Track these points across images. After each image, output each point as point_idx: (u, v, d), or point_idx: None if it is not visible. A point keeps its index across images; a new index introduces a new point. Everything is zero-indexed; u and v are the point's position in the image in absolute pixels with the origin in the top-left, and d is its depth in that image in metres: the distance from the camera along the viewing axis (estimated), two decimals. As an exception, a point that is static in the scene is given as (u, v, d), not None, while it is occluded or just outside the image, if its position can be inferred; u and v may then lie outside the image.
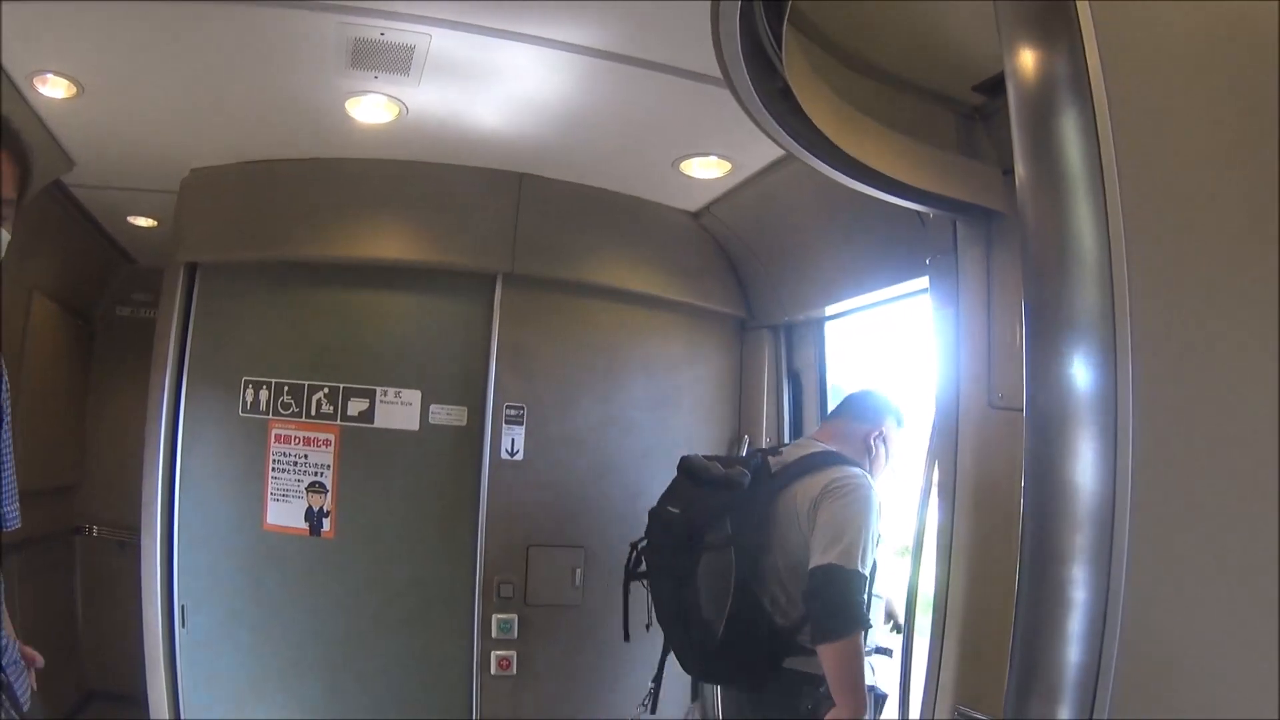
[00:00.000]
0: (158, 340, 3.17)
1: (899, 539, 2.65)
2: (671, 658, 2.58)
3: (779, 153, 2.64)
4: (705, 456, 2.60)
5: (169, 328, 3.15)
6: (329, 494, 3.13)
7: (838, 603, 2.18)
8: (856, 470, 2.43)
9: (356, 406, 3.17)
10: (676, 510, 2.48)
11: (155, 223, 3.95)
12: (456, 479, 3.22)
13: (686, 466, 2.57)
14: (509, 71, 2.45)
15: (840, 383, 3.59)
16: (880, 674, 2.47)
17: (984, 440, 1.85)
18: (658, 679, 2.64)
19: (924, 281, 2.23)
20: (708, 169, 2.98)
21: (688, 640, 2.45)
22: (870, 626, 2.34)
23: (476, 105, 2.69)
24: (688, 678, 2.75)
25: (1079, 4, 0.72)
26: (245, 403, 3.15)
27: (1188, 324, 0.70)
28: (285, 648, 3.12)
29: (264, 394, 3.15)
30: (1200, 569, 0.69)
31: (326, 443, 3.15)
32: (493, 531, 3.20)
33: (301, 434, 3.15)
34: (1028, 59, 0.74)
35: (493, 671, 3.18)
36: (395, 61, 2.41)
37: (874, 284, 2.90)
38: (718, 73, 1.56)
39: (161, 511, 3.08)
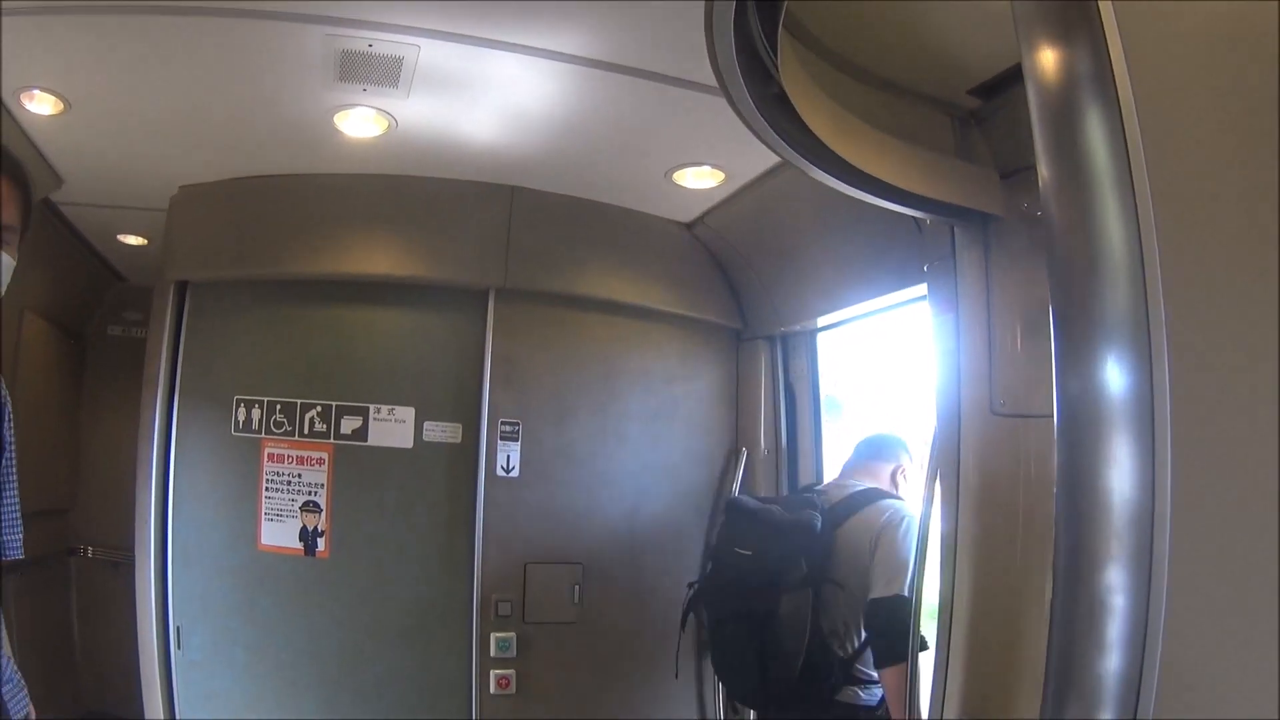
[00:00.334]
0: (148, 359, 3.14)
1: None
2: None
3: (772, 162, 2.64)
4: (756, 497, 2.81)
5: (159, 346, 3.11)
6: (323, 513, 3.09)
7: (900, 630, 2.33)
8: (902, 504, 2.64)
9: (350, 424, 3.14)
10: (748, 553, 2.65)
11: (145, 241, 3.92)
12: (452, 496, 3.19)
13: (748, 509, 2.75)
14: (499, 82, 2.42)
15: (834, 393, 3.59)
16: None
17: (987, 446, 1.84)
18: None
19: (920, 289, 2.23)
20: (701, 179, 2.96)
21: (762, 678, 2.59)
22: (928, 648, 2.47)
23: (467, 117, 2.67)
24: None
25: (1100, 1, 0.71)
26: (238, 422, 3.12)
27: (1223, 323, 0.69)
28: (281, 668, 3.08)
29: (256, 413, 3.12)
30: (1243, 574, 0.67)
31: (320, 461, 3.11)
32: (489, 549, 3.16)
33: (295, 453, 3.11)
34: (1048, 57, 0.73)
35: (492, 691, 3.14)
36: (384, 73, 2.38)
37: (870, 292, 2.89)
38: (711, 80, 1.54)
39: (155, 532, 3.04)
